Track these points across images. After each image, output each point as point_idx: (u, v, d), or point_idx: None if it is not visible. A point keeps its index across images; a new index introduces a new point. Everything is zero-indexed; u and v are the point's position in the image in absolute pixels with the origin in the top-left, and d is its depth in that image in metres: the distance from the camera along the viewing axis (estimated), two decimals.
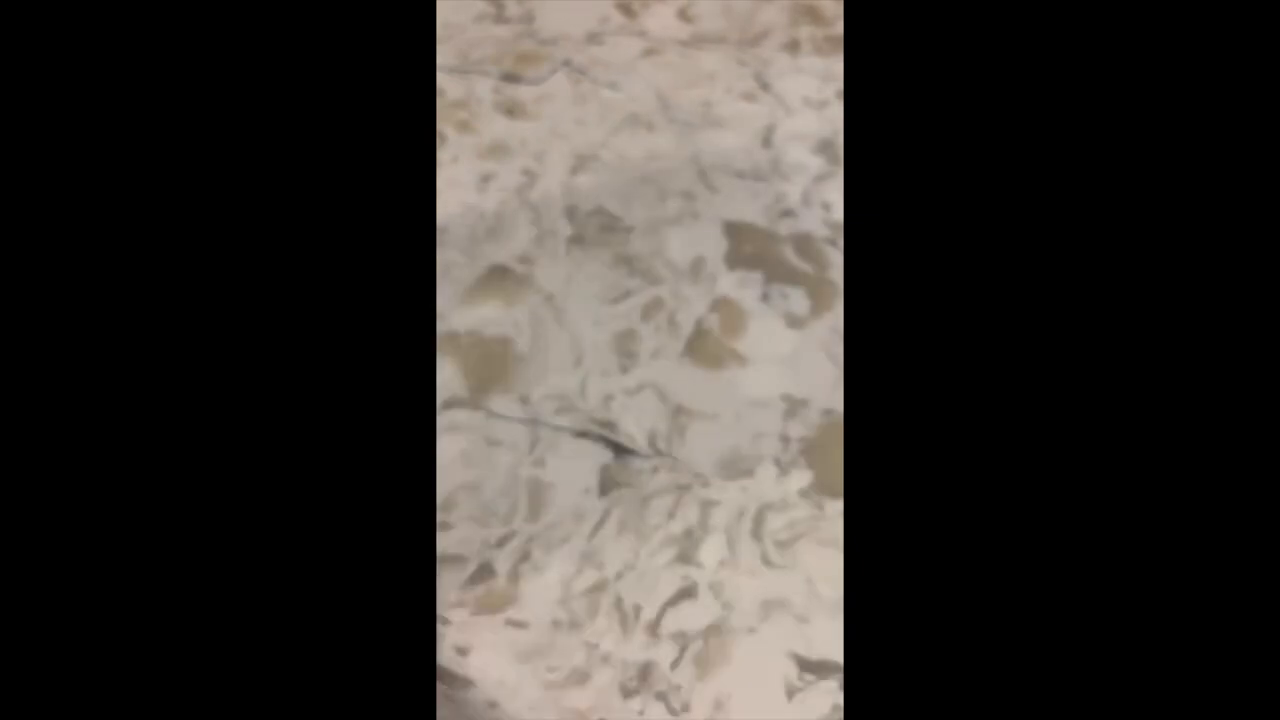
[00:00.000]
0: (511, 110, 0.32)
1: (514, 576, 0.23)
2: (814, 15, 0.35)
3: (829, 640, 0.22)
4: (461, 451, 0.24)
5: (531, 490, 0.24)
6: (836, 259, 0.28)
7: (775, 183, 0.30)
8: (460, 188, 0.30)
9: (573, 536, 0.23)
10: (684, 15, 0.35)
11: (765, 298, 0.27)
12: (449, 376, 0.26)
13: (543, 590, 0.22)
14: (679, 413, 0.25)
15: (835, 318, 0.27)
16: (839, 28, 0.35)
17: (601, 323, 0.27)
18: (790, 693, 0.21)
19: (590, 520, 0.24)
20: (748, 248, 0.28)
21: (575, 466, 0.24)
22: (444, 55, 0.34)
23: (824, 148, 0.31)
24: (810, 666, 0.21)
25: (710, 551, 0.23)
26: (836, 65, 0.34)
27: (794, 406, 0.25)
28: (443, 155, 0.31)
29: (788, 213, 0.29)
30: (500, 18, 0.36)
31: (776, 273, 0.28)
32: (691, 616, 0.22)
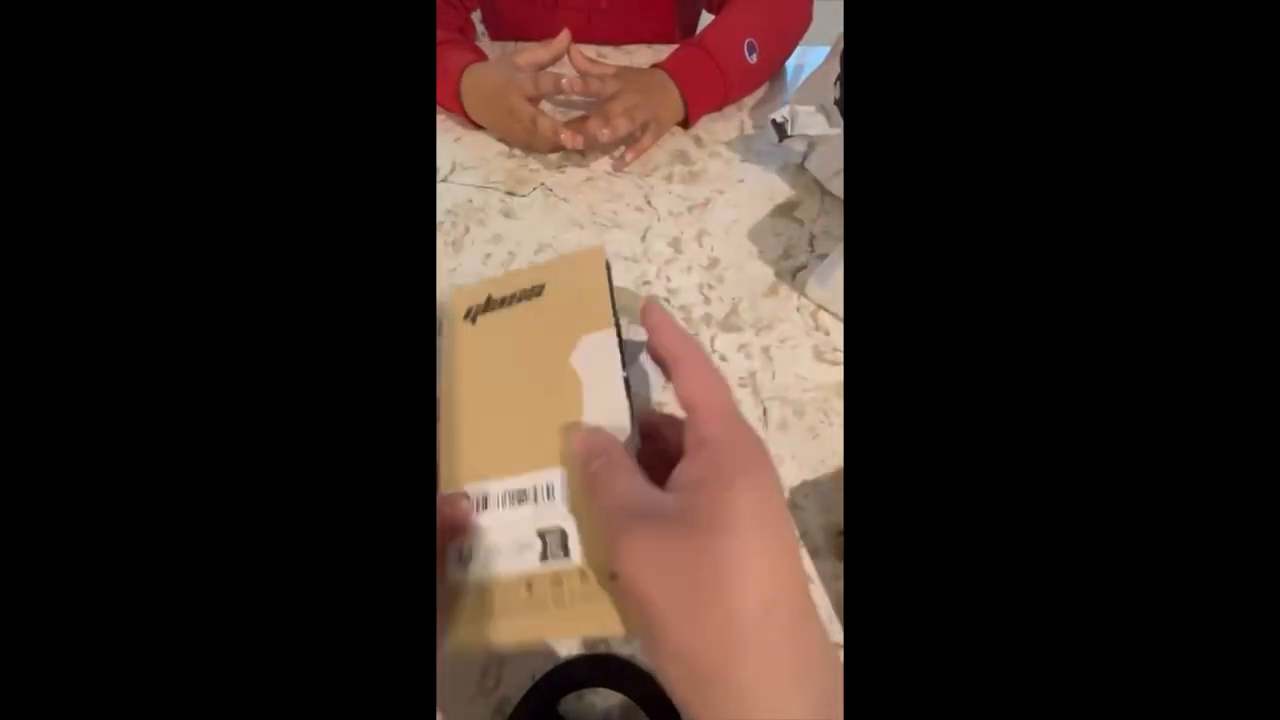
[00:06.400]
0: (508, 214, 0.50)
1: None
2: (685, 158, 0.53)
3: None
4: None
5: None
6: (670, 312, 0.43)
7: (643, 264, 0.46)
8: (473, 260, 0.46)
9: None
10: (612, 157, 0.53)
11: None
12: None
13: None
14: None
15: None
16: (699, 165, 0.52)
17: None
18: None
19: None
20: (622, 302, 0.44)
21: None
22: (472, 177, 0.53)
23: (674, 243, 0.47)
24: None
25: None
26: (693, 190, 0.50)
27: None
28: (464, 240, 0.47)
29: (647, 282, 0.45)
30: (510, 154, 0.55)
31: (634, 318, 0.43)
32: None
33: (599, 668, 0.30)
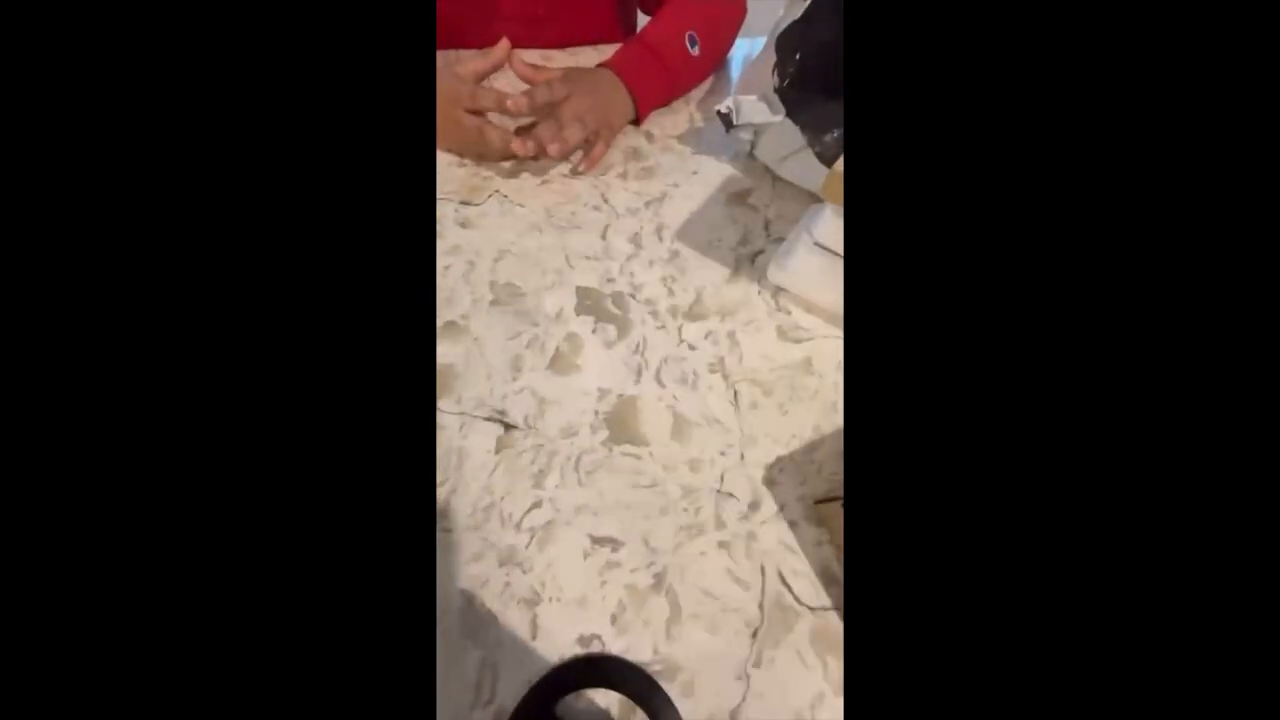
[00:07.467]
0: (465, 224, 0.49)
1: (446, 501, 0.35)
2: (638, 155, 0.53)
3: (612, 528, 0.35)
4: None
5: (458, 453, 0.37)
6: (636, 307, 0.43)
7: (605, 261, 0.46)
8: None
9: (480, 477, 0.36)
10: (567, 160, 0.53)
11: (594, 331, 0.42)
12: None
13: (464, 507, 0.35)
14: (542, 402, 0.39)
15: (632, 341, 0.41)
16: (653, 160, 0.53)
17: (503, 352, 0.41)
18: (585, 555, 0.34)
19: (488, 468, 0.37)
20: (587, 302, 0.44)
21: (482, 437, 0.38)
22: None
23: (634, 239, 0.47)
24: (599, 540, 0.34)
25: (551, 480, 0.36)
26: (649, 185, 0.51)
27: (603, 393, 0.39)
28: None
29: (610, 280, 0.45)
30: (461, 164, 0.55)
31: (601, 316, 0.43)
32: (538, 516, 0.35)
33: (592, 668, 0.30)
